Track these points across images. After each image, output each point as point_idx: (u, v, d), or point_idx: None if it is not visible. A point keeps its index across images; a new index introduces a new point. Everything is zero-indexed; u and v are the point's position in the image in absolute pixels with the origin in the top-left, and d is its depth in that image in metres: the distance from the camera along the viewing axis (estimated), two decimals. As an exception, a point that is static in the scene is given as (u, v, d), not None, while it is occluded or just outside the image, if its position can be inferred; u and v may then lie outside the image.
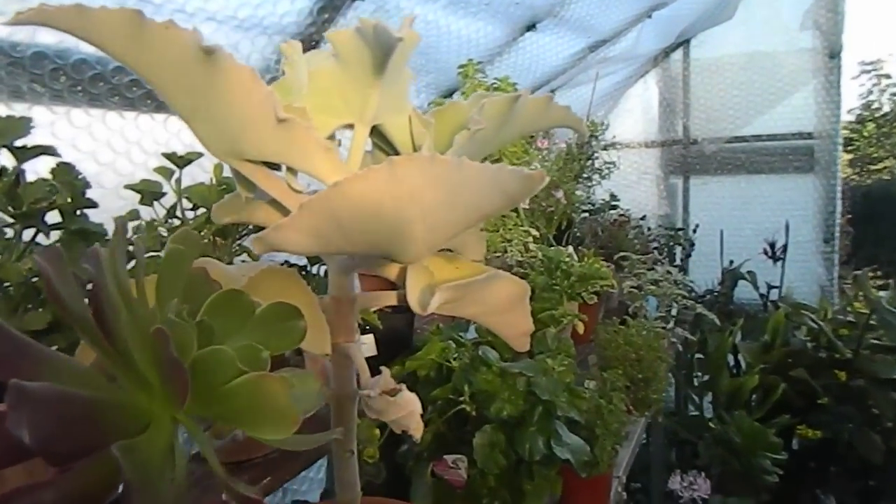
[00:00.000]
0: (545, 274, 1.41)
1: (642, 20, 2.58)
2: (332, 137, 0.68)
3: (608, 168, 2.89)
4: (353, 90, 0.65)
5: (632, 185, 3.53)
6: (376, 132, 0.74)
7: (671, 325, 2.36)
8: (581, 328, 1.29)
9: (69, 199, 0.77)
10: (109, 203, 0.92)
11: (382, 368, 0.59)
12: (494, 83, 1.57)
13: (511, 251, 1.63)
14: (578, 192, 2.97)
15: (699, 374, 2.67)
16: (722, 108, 3.31)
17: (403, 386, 0.55)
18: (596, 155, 2.90)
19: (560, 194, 2.09)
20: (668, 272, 2.14)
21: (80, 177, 0.79)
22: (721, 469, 2.17)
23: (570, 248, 2.31)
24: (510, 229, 1.56)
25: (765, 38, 3.21)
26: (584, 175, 2.90)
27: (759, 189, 3.27)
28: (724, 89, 3.31)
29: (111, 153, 0.97)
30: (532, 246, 1.63)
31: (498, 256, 1.67)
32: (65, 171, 0.79)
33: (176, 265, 0.52)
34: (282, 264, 1.25)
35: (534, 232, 1.68)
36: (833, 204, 3.14)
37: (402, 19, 0.63)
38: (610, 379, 1.34)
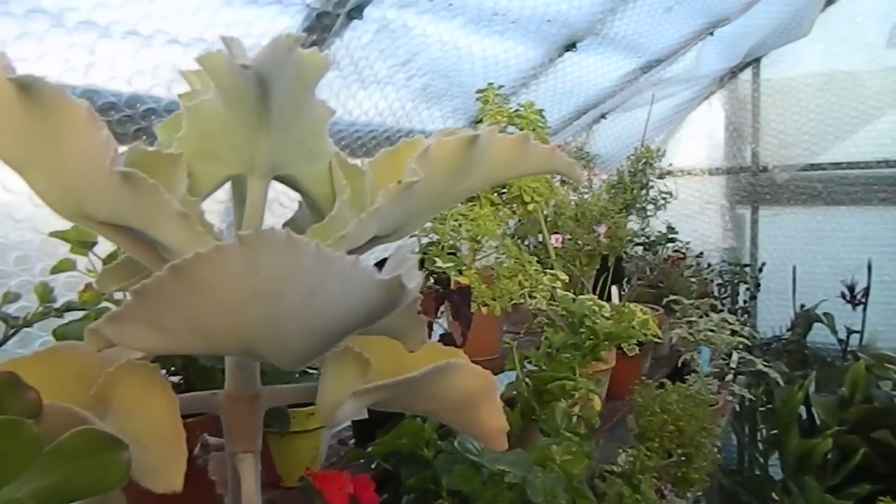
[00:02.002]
0: (567, 330, 1.22)
1: (702, 38, 2.35)
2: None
3: (664, 198, 2.67)
4: (239, 132, 0.50)
5: (694, 215, 3.26)
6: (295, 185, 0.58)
7: (730, 377, 2.11)
8: (598, 405, 1.09)
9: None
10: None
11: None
12: (519, 110, 1.40)
13: (537, 299, 1.45)
14: (631, 226, 2.75)
15: (763, 428, 2.39)
16: (796, 133, 3.01)
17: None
18: (651, 184, 2.68)
19: (602, 230, 1.89)
20: (725, 320, 1.89)
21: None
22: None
23: (615, 291, 2.11)
24: (531, 275, 1.37)
25: (845, 56, 2.91)
26: (638, 206, 2.68)
27: (838, 222, 2.95)
28: (798, 112, 3.01)
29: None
30: (560, 293, 1.44)
31: (519, 305, 1.49)
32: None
33: None
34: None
35: (562, 276, 1.49)
36: (927, 240, 2.79)
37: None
38: (640, 457, 1.14)
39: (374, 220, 0.51)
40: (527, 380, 1.08)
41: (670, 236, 2.68)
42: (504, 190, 1.35)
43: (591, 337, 1.21)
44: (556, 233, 1.74)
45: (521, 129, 1.40)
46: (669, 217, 2.68)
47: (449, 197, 0.62)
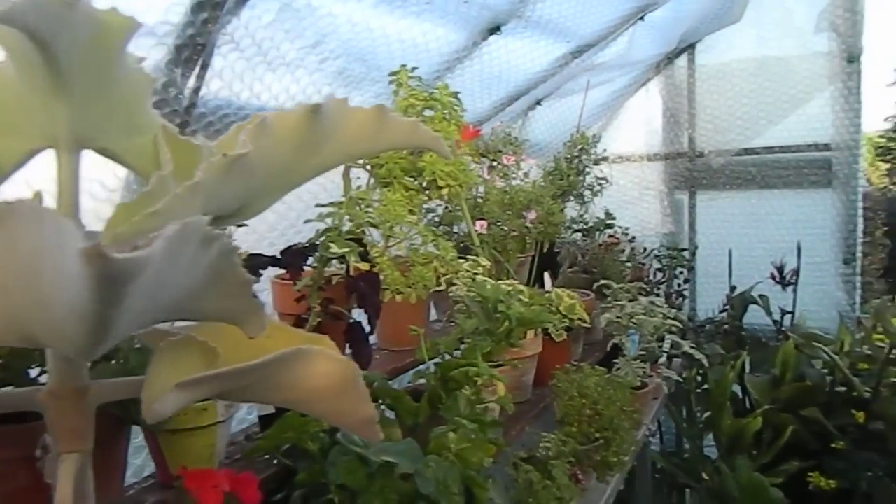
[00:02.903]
0: (480, 316, 1.20)
1: (633, 23, 2.35)
2: None
3: (600, 184, 2.67)
4: (33, 100, 0.45)
5: (634, 201, 3.28)
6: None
7: (662, 360, 2.12)
8: (502, 391, 1.06)
9: None
10: None
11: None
12: (434, 93, 1.36)
13: (458, 285, 1.42)
14: (571, 212, 2.75)
15: (699, 410, 2.42)
16: (730, 118, 3.05)
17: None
18: (588, 170, 2.68)
19: (531, 216, 1.87)
20: (653, 303, 1.90)
21: None
22: (715, 528, 1.92)
23: (547, 277, 2.10)
24: (450, 261, 1.34)
25: (776, 41, 2.95)
26: (575, 192, 2.68)
27: (772, 205, 3.00)
28: (732, 97, 3.05)
29: None
30: (481, 280, 1.41)
31: (440, 292, 1.46)
32: None
33: None
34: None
35: (484, 262, 1.46)
36: (854, 221, 2.85)
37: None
38: (556, 442, 1.12)
39: (193, 196, 0.47)
40: (433, 368, 1.05)
41: (608, 222, 2.69)
42: (418, 175, 1.31)
43: (506, 322, 1.19)
44: (482, 219, 1.71)
45: (437, 113, 1.37)
46: (609, 203, 2.68)
47: (299, 173, 0.58)
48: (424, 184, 1.33)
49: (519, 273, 2.02)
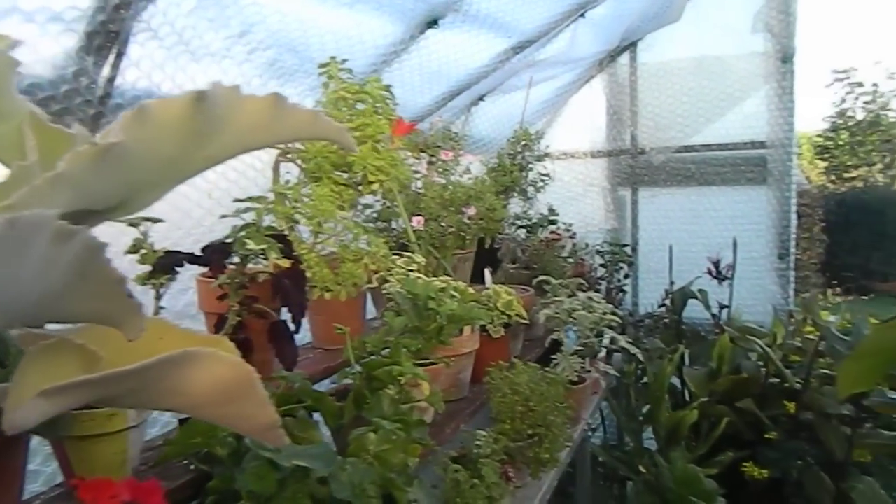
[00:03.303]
0: (410, 314, 1.17)
1: (574, 20, 2.36)
2: None
3: (543, 180, 2.68)
4: None
5: (578, 197, 3.31)
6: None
7: (601, 355, 2.14)
8: (427, 390, 1.04)
9: None
10: None
11: None
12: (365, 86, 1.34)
13: (391, 283, 1.40)
14: (515, 208, 2.76)
15: (639, 403, 2.45)
16: (670, 116, 3.11)
17: None
18: (531, 166, 2.69)
19: (471, 212, 1.86)
20: (591, 298, 1.91)
21: None
22: (652, 520, 1.95)
23: (487, 274, 2.09)
24: (383, 258, 1.32)
25: (714, 41, 3.02)
26: (519, 188, 2.69)
27: (710, 202, 3.07)
28: (672, 95, 3.11)
29: None
30: (415, 276, 1.39)
31: (380, 289, 1.43)
32: None
33: None
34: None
35: (419, 259, 1.44)
36: (788, 217, 2.94)
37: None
38: (486, 440, 1.11)
39: (54, 188, 0.43)
40: (359, 367, 1.03)
41: (551, 218, 2.70)
42: (348, 169, 1.28)
43: (437, 320, 1.17)
44: (419, 215, 1.69)
45: (368, 107, 1.34)
46: (554, 200, 2.70)
47: (187, 165, 0.55)
48: (355, 179, 1.30)
49: (460, 270, 2.01)
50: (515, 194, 2.66)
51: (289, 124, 0.57)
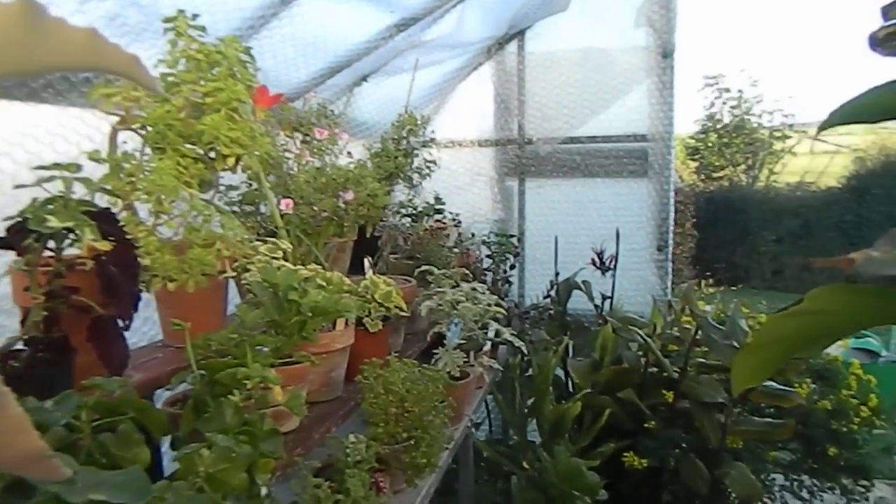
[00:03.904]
0: (267, 306, 1.02)
1: (460, 0, 2.27)
2: None
3: (429, 167, 2.58)
4: None
5: (465, 187, 3.24)
6: None
7: (486, 348, 2.06)
8: (279, 395, 0.90)
9: None
10: None
11: None
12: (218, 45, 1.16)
13: (251, 271, 1.23)
14: (401, 196, 2.64)
15: (524, 396, 2.40)
16: (557, 107, 3.09)
17: None
18: (416, 152, 2.58)
19: (348, 196, 1.72)
20: (475, 289, 1.82)
21: None
22: (536, 516, 1.90)
23: (367, 263, 1.96)
24: (239, 243, 1.15)
25: (600, 33, 3.03)
26: (403, 175, 2.57)
27: (595, 193, 3.09)
28: (559, 86, 3.09)
29: None
30: (277, 265, 1.23)
31: (234, 277, 1.27)
32: None
33: None
34: None
35: (284, 245, 1.29)
36: (666, 210, 3.00)
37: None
38: (353, 448, 0.98)
39: None
40: (201, 370, 0.87)
41: (437, 207, 2.61)
42: (197, 140, 1.11)
43: (299, 313, 1.03)
44: (289, 197, 1.54)
45: (223, 69, 1.17)
46: (441, 189, 2.61)
47: None
48: (206, 151, 1.13)
49: (339, 259, 1.87)
50: (400, 181, 2.55)
51: (52, 45, 0.41)
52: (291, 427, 1.27)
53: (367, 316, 1.55)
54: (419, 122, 2.57)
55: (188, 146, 1.14)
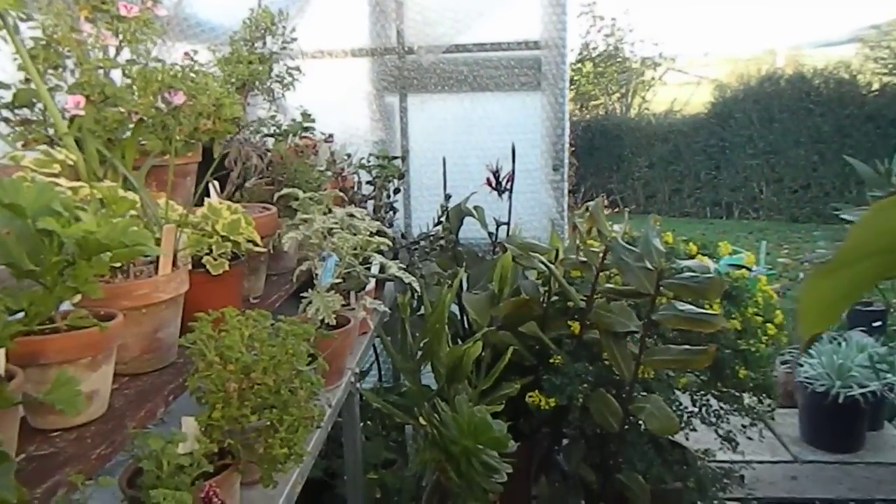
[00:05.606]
0: (9, 243, 0.63)
1: None
2: None
3: (292, 75, 2.16)
4: None
5: (340, 104, 2.82)
6: None
7: (370, 287, 1.73)
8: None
9: None
10: None
11: None
12: None
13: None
14: (261, 110, 2.21)
15: (416, 337, 2.11)
16: (440, 10, 2.71)
17: None
18: (276, 57, 2.15)
19: (179, 100, 1.29)
20: (352, 215, 1.47)
21: None
22: (437, 479, 1.64)
23: (213, 187, 1.56)
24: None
25: (484, -78, 2.65)
26: (262, 85, 2.15)
27: (485, 109, 2.77)
28: (441, -16, 2.71)
29: None
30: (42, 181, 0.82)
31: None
32: None
33: None
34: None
35: (63, 155, 0.87)
36: (562, 126, 2.75)
37: None
38: (172, 445, 0.62)
39: None
40: None
41: (306, 124, 2.20)
42: None
43: (60, 252, 0.64)
44: (81, 94, 1.09)
45: None
46: (311, 107, 2.20)
47: None
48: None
49: (179, 186, 1.45)
50: (257, 92, 2.11)
51: None
52: (95, 414, 0.89)
53: (207, 254, 1.17)
54: (277, 20, 2.13)
55: None
